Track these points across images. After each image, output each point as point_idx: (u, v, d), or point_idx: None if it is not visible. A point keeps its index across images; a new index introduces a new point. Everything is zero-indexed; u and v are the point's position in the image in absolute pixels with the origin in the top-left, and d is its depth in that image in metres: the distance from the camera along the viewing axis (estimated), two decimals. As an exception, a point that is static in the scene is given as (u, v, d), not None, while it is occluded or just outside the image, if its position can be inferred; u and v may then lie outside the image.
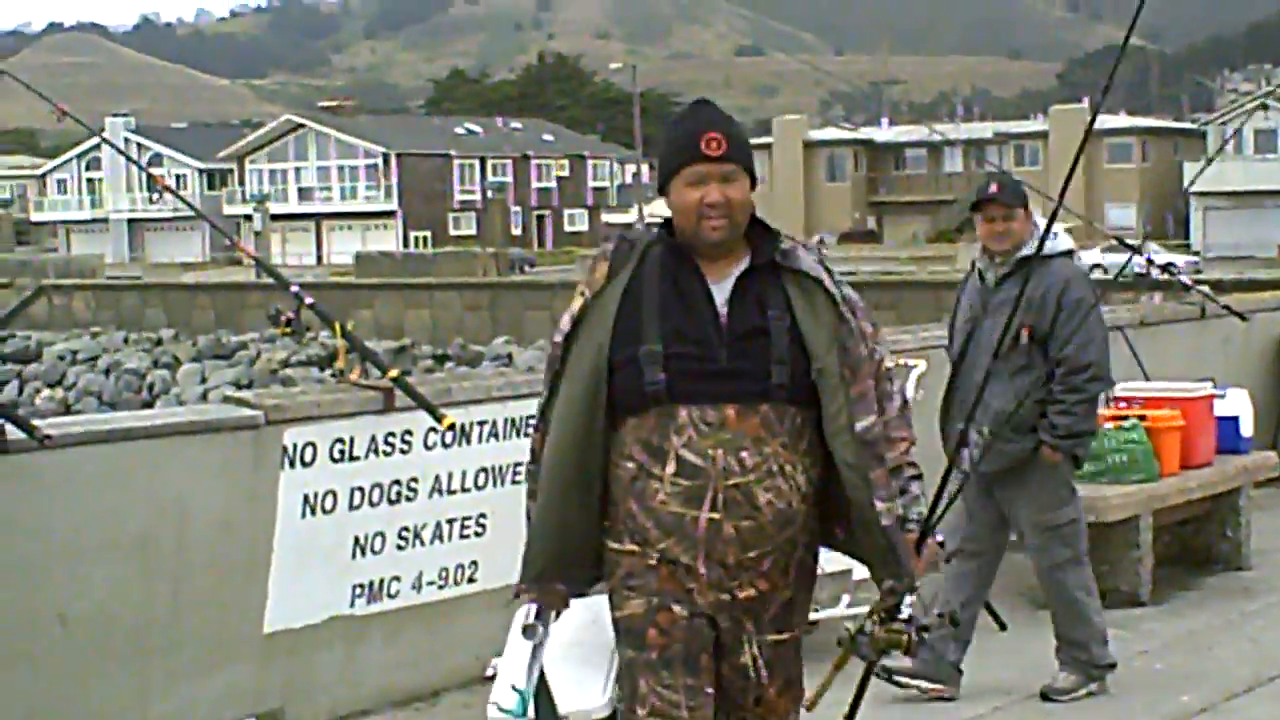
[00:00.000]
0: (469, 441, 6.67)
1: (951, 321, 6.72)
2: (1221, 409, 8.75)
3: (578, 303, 3.36)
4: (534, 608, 3.44)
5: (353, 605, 6.43)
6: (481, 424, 6.74)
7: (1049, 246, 5.97)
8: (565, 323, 3.36)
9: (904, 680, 6.18)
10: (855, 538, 3.40)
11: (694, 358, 3.22)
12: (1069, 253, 6.59)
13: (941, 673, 6.28)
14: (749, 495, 3.21)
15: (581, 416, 3.29)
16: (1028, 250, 6.12)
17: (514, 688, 3.65)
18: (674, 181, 3.28)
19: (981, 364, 5.90)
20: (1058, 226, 5.81)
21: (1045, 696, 6.56)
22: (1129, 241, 14.06)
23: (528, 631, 3.45)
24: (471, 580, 6.79)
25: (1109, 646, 6.59)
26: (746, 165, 3.31)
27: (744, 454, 3.20)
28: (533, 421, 3.63)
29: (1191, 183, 63.33)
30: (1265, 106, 71.48)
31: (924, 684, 6.29)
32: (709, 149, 3.23)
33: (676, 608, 3.31)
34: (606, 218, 77.24)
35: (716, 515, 3.19)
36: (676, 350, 3.21)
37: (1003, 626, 6.64)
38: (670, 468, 3.20)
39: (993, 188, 6.25)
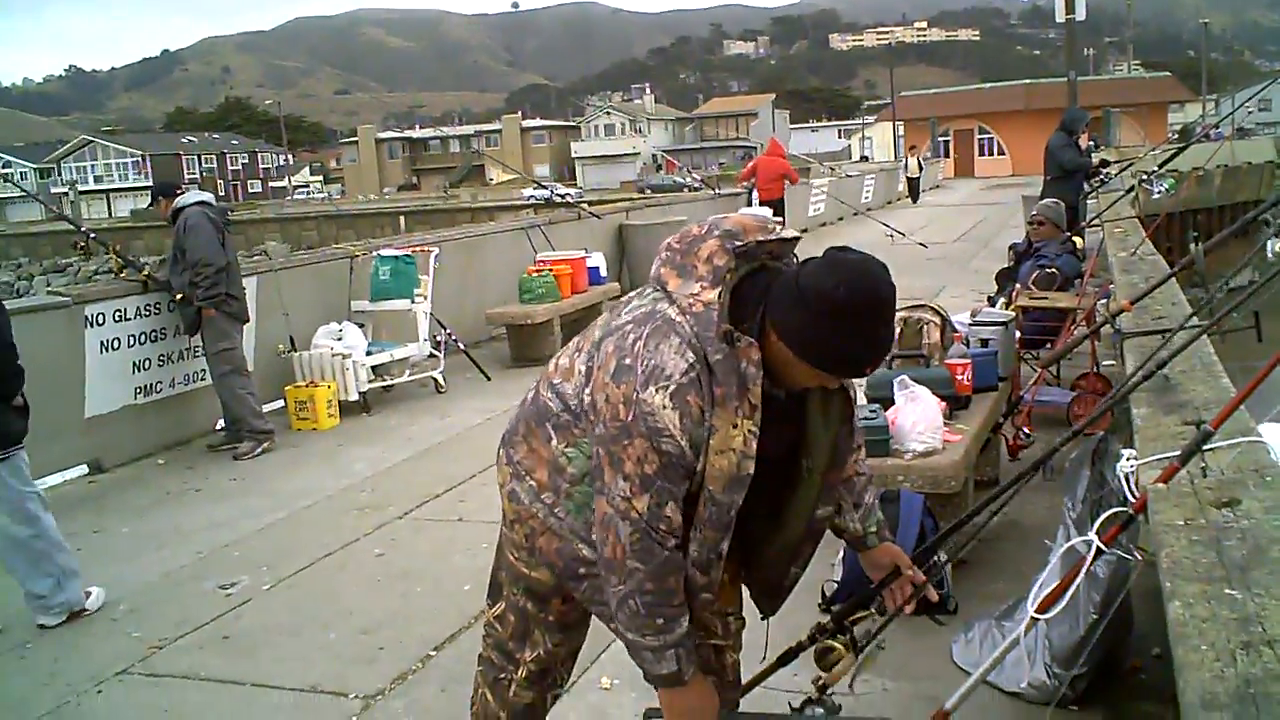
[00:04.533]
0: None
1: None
2: (590, 263, 10.60)
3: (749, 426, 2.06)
4: None
5: (135, 398, 7.44)
6: (198, 296, 7.40)
7: (181, 202, 7.29)
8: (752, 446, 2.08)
9: None
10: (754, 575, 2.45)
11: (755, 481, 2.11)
12: (198, 203, 7.33)
13: None
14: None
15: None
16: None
17: None
18: (809, 365, 2.05)
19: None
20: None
21: (236, 456, 7.24)
22: (545, 184, 17.23)
23: None
24: (202, 380, 7.79)
25: (263, 419, 7.46)
26: None
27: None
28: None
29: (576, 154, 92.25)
30: (608, 114, 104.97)
31: None
32: (869, 369, 2.08)
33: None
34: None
35: None
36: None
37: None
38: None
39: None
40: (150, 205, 8.13)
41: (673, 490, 2.08)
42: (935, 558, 3.28)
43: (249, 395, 7.47)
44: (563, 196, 14.63)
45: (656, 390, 2.02)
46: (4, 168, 75.68)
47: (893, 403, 4.57)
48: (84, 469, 7.17)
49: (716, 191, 19.80)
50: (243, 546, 5.61)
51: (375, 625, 4.46)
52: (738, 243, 2.10)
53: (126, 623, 4.71)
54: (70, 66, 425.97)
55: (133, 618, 4.76)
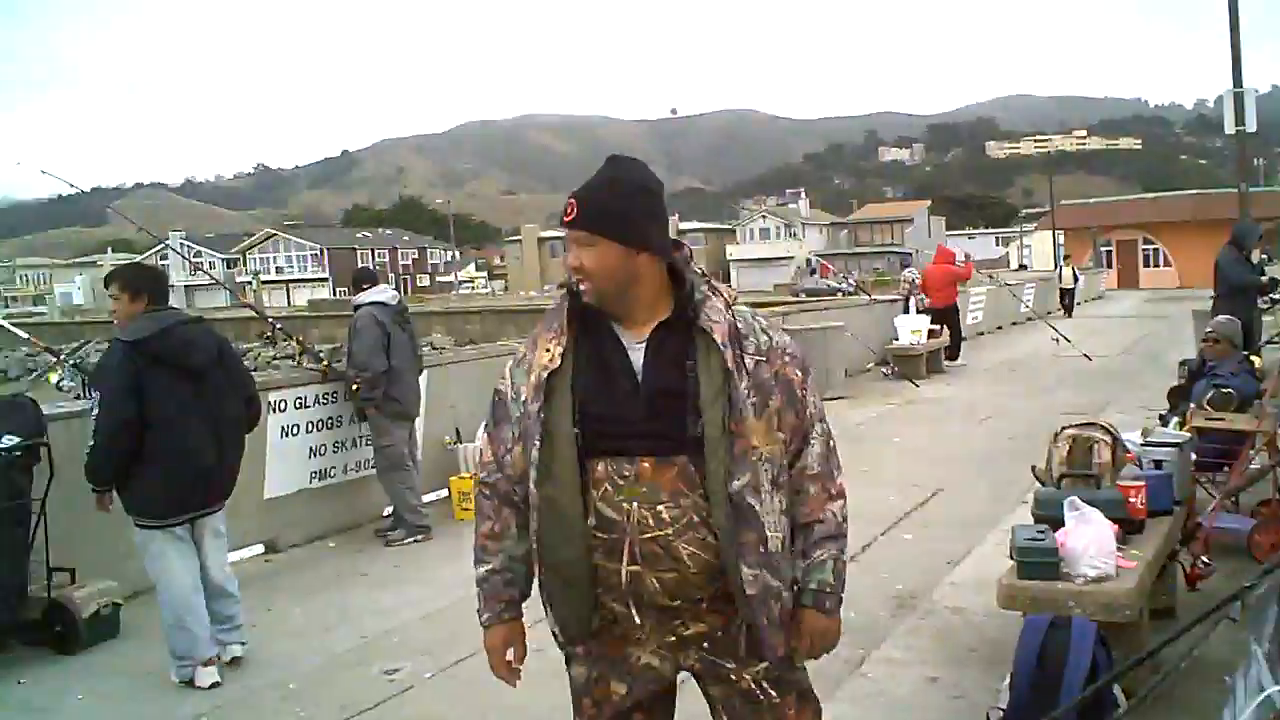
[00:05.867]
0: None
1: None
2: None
3: (548, 360, 2.38)
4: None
5: (311, 482, 7.70)
6: (374, 385, 7.87)
7: (359, 299, 7.46)
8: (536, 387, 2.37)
9: None
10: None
11: (610, 419, 2.32)
12: (372, 303, 7.47)
13: None
14: (668, 548, 2.31)
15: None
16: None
17: None
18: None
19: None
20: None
21: (387, 543, 7.47)
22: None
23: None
24: (372, 468, 7.90)
25: (420, 514, 7.61)
26: (603, 231, 2.32)
27: (660, 508, 2.30)
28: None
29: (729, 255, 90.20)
30: (763, 218, 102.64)
31: None
32: (565, 215, 2.34)
33: (615, 683, 2.47)
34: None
35: (636, 568, 2.32)
36: (594, 412, 2.33)
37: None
38: (591, 520, 2.34)
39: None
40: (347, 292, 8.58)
41: (496, 425, 2.55)
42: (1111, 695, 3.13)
43: (407, 490, 7.62)
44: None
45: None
46: (195, 257, 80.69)
47: (1062, 524, 4.41)
48: (260, 548, 7.43)
49: (871, 297, 19.66)
50: (404, 633, 5.71)
51: (533, 721, 4.46)
52: None
53: (294, 702, 4.83)
54: (258, 165, 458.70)
55: (299, 698, 4.88)
